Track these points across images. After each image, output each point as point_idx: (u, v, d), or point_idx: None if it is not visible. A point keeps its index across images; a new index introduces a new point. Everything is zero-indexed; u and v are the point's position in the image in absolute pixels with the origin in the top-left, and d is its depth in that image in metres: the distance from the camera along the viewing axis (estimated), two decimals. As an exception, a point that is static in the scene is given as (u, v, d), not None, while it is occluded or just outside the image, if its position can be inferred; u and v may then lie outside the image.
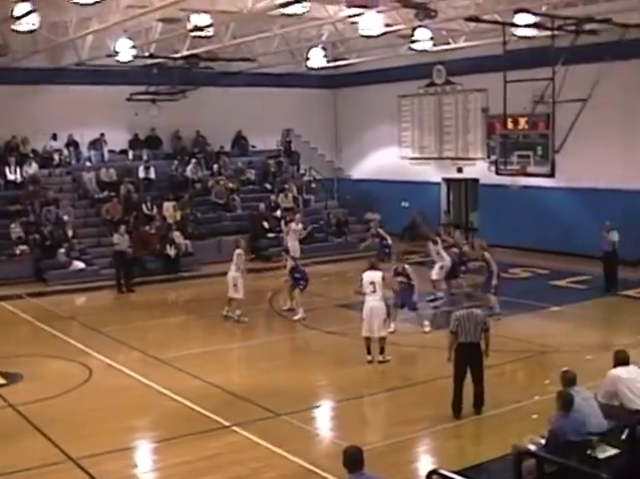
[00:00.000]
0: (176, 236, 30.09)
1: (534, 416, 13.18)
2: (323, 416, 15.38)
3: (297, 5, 21.37)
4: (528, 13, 23.97)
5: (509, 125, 26.76)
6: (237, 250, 21.94)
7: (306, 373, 17.21)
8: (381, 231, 27.03)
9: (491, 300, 21.40)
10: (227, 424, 13.95)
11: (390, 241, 27.04)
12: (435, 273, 23.05)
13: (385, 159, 38.99)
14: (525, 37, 26.96)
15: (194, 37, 28.07)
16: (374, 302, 17.51)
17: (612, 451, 10.06)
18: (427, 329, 20.01)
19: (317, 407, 15.47)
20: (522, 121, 26.81)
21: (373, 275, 17.75)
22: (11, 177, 32.48)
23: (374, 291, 17.53)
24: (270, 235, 33.19)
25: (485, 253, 21.76)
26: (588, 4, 24.76)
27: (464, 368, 13.99)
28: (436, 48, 30.59)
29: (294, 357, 18.25)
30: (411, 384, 16.00)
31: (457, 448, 13.43)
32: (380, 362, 17.38)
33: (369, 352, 17.48)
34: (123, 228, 27.88)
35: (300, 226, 28.19)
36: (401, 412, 14.56)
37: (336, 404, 15.78)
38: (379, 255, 24.31)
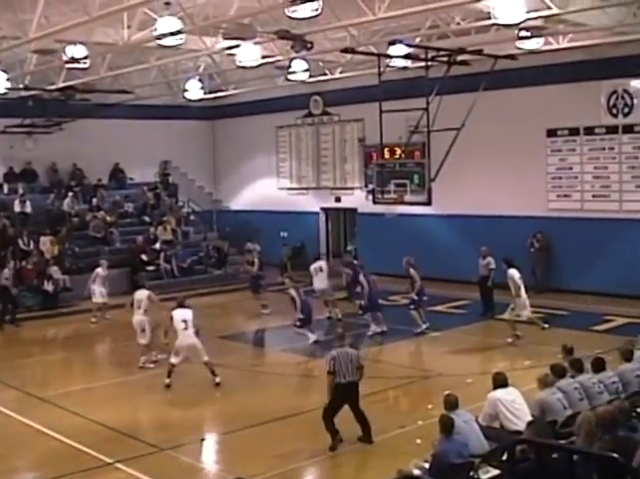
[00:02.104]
0: (54, 270, 29.56)
1: (419, 441, 13.34)
2: (208, 449, 15.26)
3: (173, 37, 21.30)
4: (402, 44, 24.41)
5: (386, 154, 27.27)
6: (146, 292, 21.09)
7: (190, 406, 17.09)
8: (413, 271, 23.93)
9: (413, 316, 22.26)
10: (110, 461, 13.72)
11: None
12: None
13: (263, 189, 39.22)
14: (400, 68, 27.46)
15: (70, 69, 27.72)
16: (190, 339, 18.02)
17: (494, 472, 10.25)
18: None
19: (202, 440, 15.33)
20: (399, 150, 27.35)
21: (184, 313, 18.23)
22: None
23: (185, 329, 17.98)
24: (149, 267, 32.89)
25: (411, 270, 22.71)
26: (460, 36, 25.34)
27: (339, 406, 13.99)
28: (312, 79, 30.92)
29: (177, 390, 18.05)
30: (296, 414, 16.02)
31: (343, 476, 13.51)
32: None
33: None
34: (11, 263, 27.25)
35: None
36: (286, 442, 14.51)
37: (221, 436, 15.70)
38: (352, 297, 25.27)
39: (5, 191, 35.52)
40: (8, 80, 28.77)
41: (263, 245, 33.58)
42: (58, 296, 29.44)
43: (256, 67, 26.59)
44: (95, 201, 36.16)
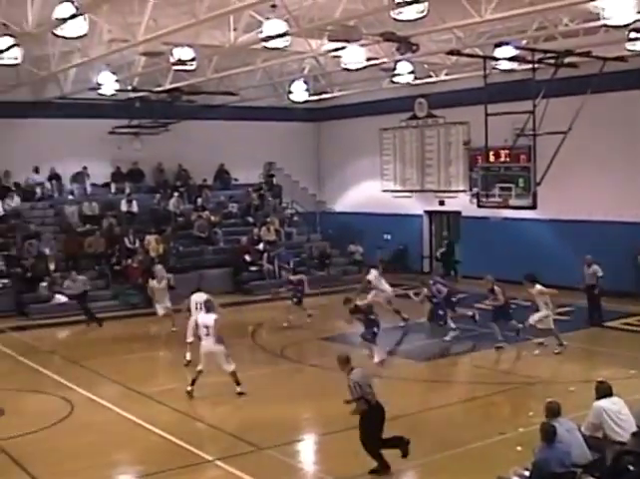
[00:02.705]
0: (159, 269, 29.89)
1: (519, 448, 13.10)
2: (306, 449, 15.30)
3: (279, 39, 21.42)
4: (509, 46, 24.13)
5: (491, 157, 26.94)
6: (204, 295, 20.77)
7: (289, 406, 17.08)
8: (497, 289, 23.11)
9: (493, 329, 21.87)
10: (210, 459, 13.86)
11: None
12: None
13: (367, 191, 39.11)
14: (506, 70, 27.14)
15: (177, 70, 28.08)
16: (210, 346, 17.57)
17: (596, 483, 10.06)
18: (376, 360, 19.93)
19: (300, 440, 15.38)
20: (504, 153, 27.00)
21: (207, 319, 17.77)
22: (-1, 210, 32.40)
23: (207, 335, 17.54)
24: (252, 268, 33.14)
25: (495, 287, 22.17)
26: (568, 37, 24.90)
27: (380, 429, 13.06)
28: (417, 81, 30.76)
29: (277, 390, 18.12)
30: (396, 417, 15.89)
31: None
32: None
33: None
34: (74, 273, 27.74)
35: None
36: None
37: (319, 437, 15.71)
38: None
39: (112, 190, 36.25)
40: (117, 82, 29.39)
41: (366, 248, 33.55)
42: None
43: (361, 69, 26.55)
44: (200, 201, 36.63)
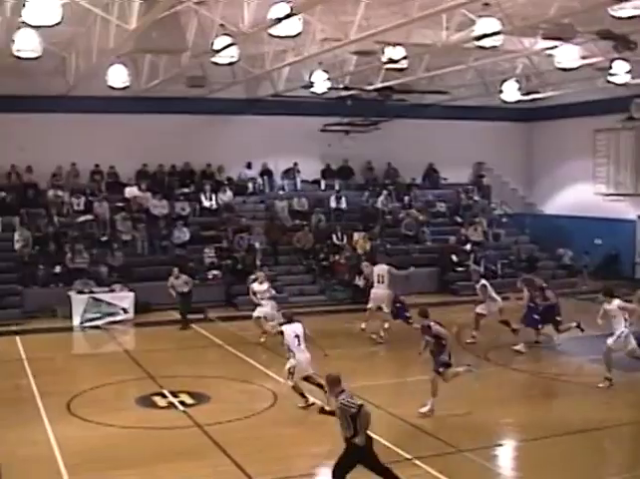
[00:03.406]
0: (366, 266, 30.11)
1: None
2: (506, 455, 15.05)
3: (491, 38, 21.18)
4: None
5: None
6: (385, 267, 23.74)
7: (490, 409, 16.86)
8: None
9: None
10: (409, 457, 13.84)
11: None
12: None
13: (578, 194, 38.19)
14: None
15: (388, 69, 28.26)
16: (307, 354, 17.14)
17: None
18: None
19: (500, 445, 15.15)
20: None
21: (295, 328, 17.30)
22: (206, 203, 33.66)
23: (299, 344, 17.09)
24: (458, 268, 32.92)
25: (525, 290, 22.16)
26: None
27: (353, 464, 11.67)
28: (635, 81, 29.72)
29: (478, 393, 17.91)
30: (597, 428, 15.47)
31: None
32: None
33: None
34: (176, 270, 27.40)
35: None
36: (585, 457, 14.02)
37: (520, 443, 15.40)
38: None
39: (322, 187, 36.86)
40: (329, 80, 29.80)
41: (575, 252, 32.76)
42: (368, 292, 30.00)
43: (575, 69, 25.92)
44: (407, 199, 36.68)
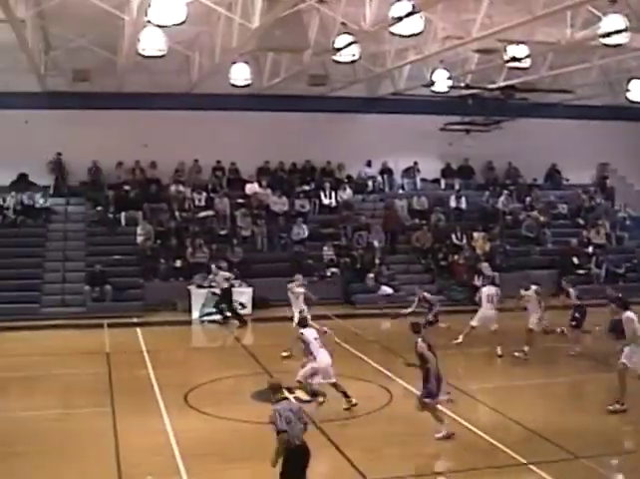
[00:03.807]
0: (485, 266, 29.87)
1: None
2: (626, 464, 14.64)
3: (618, 35, 20.72)
4: None
5: None
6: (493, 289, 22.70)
7: (610, 417, 16.46)
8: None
9: None
10: (524, 461, 13.62)
11: None
12: None
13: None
14: None
15: (511, 68, 27.92)
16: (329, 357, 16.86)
17: None
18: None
19: (621, 453, 14.76)
20: None
21: (313, 331, 17.17)
22: (326, 201, 33.87)
23: (321, 347, 16.89)
24: (579, 271, 32.25)
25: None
26: None
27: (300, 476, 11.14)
28: None
29: (597, 399, 17.52)
30: None
31: None
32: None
33: None
34: (214, 267, 28.12)
35: None
36: None
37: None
38: None
39: (442, 186, 36.70)
40: (450, 79, 29.63)
41: None
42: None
43: None
44: (528, 200, 36.17)
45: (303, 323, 17.73)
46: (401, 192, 35.75)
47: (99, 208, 32.39)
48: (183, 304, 27.97)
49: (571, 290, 22.24)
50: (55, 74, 30.92)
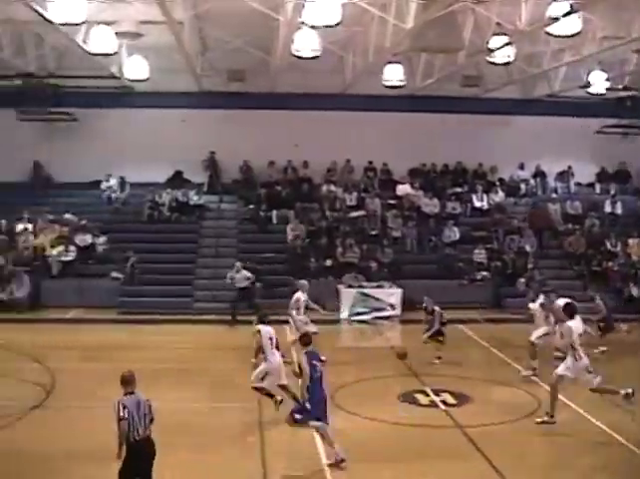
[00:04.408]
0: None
1: None
2: None
3: None
4: None
5: None
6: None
7: None
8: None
9: None
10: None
11: None
12: None
13: None
14: None
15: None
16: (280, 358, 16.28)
17: None
18: None
19: None
20: None
21: (269, 330, 16.54)
22: (477, 204, 33.51)
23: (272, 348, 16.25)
24: None
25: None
26: None
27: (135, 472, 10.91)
28: None
29: None
30: None
31: None
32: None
33: None
34: (238, 264, 27.96)
35: None
36: None
37: None
38: None
39: (597, 190, 35.79)
40: (607, 80, 28.91)
41: None
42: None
43: None
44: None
45: (263, 320, 17.02)
46: (554, 195, 35.00)
47: (251, 206, 33.01)
48: (332, 304, 28.11)
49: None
50: (211, 74, 31.64)
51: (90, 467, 12.84)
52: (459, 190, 34.32)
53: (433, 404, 17.27)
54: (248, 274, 27.87)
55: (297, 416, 13.82)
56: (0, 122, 32.91)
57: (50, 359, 20.75)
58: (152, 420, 11.00)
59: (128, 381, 11.11)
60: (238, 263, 28.15)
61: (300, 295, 21.35)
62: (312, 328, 20.23)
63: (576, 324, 15.76)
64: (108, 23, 23.87)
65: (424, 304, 21.91)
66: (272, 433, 14.97)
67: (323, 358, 14.68)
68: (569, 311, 16.09)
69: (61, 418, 15.92)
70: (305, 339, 14.46)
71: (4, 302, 28.18)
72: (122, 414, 10.68)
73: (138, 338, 24.23)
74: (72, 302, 28.44)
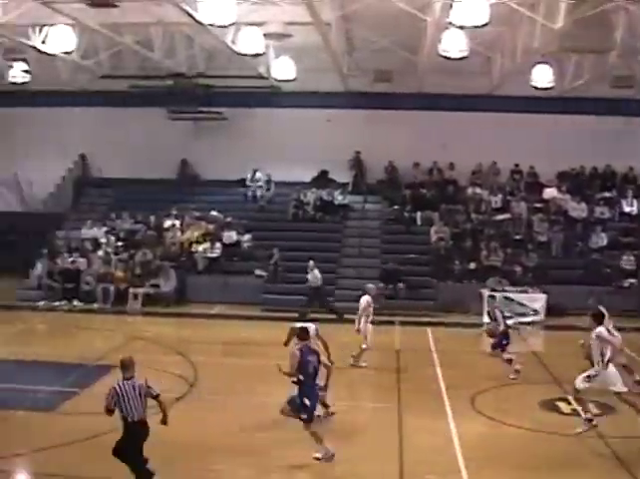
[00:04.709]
0: None
1: None
2: None
3: None
4: None
5: None
6: None
7: None
8: None
9: None
10: None
11: None
12: None
13: None
14: None
15: None
16: None
17: None
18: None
19: None
20: None
21: None
22: (627, 209, 32.58)
23: None
24: None
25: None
26: None
27: (136, 449, 11.65)
28: None
29: None
30: None
31: None
32: None
33: None
34: (311, 263, 27.87)
35: None
36: None
37: None
38: None
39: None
40: None
41: None
42: None
43: None
44: None
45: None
46: None
47: (395, 206, 33.02)
48: (475, 307, 27.79)
49: None
50: (357, 74, 31.82)
51: (224, 459, 13.27)
52: (607, 194, 33.45)
53: (575, 413, 16.85)
54: (319, 275, 28.07)
55: (304, 416, 13.49)
56: (151, 121, 33.91)
57: (193, 353, 21.26)
58: (157, 396, 11.66)
59: (127, 366, 11.68)
60: (311, 262, 28.31)
61: (369, 300, 20.90)
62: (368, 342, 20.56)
63: None
64: (256, 24, 24.26)
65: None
66: (410, 434, 14.90)
67: (322, 358, 14.66)
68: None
69: (201, 410, 16.29)
70: (302, 335, 14.47)
71: (151, 296, 29.03)
72: (107, 403, 11.47)
73: (280, 335, 24.43)
74: (216, 298, 29.08)
